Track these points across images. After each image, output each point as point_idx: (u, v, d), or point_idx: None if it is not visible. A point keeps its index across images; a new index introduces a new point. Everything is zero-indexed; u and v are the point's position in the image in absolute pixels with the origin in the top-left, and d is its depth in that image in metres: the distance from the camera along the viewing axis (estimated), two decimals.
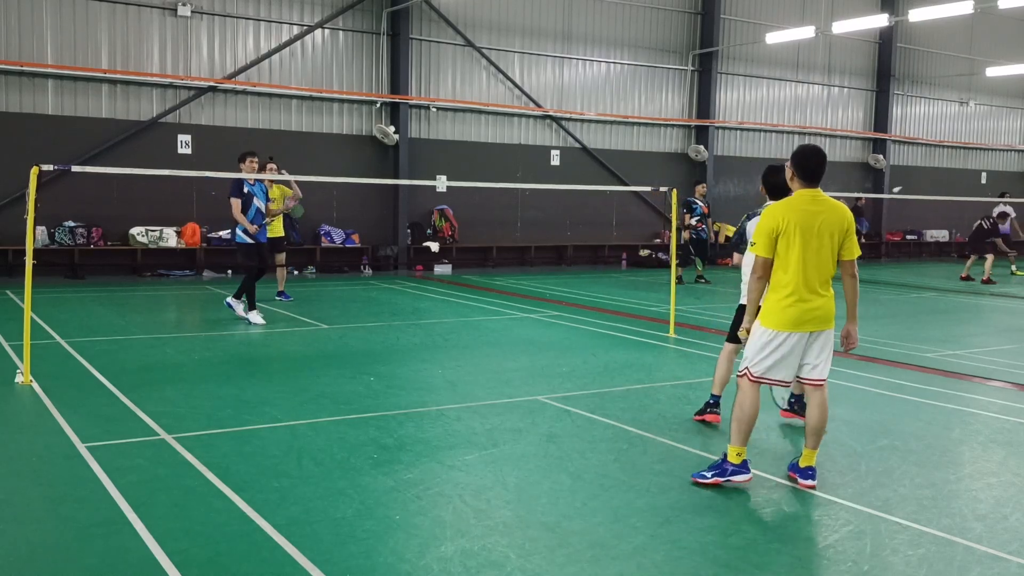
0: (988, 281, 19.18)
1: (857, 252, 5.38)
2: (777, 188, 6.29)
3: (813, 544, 4.54)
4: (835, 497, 5.23)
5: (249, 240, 11.46)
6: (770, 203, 5.97)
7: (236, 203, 11.38)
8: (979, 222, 20.32)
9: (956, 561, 4.39)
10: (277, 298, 13.75)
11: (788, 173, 5.42)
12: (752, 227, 6.33)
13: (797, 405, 6.91)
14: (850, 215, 5.35)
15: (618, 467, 5.74)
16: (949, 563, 4.36)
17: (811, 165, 5.27)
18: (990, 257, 19.76)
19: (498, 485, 5.30)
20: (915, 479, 5.65)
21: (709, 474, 5.40)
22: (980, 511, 5.10)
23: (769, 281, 5.38)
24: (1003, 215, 20.53)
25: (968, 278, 19.72)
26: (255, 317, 11.40)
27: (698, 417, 6.94)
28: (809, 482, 5.37)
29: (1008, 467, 6.02)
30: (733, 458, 5.35)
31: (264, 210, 11.70)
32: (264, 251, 11.76)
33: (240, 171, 11.34)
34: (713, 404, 6.91)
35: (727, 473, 5.35)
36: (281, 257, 13.96)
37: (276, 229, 13.37)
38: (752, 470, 5.39)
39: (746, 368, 5.42)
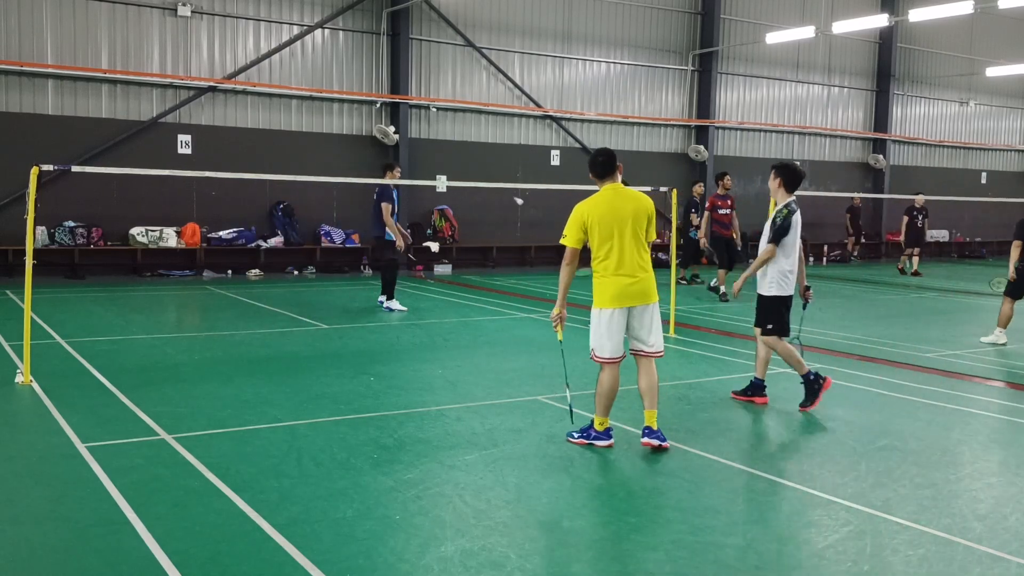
0: None
1: (653, 237, 6.18)
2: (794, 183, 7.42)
3: (813, 544, 4.54)
4: (835, 497, 5.23)
5: (393, 238, 12.56)
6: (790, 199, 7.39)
7: (387, 207, 12.45)
8: None
9: (956, 561, 4.39)
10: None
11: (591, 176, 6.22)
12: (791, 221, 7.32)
13: (751, 390, 7.64)
14: (650, 204, 6.15)
15: (618, 467, 5.75)
16: (949, 563, 4.36)
17: (599, 163, 6.11)
18: None
19: (498, 485, 5.30)
20: (915, 479, 5.65)
21: (577, 434, 6.22)
22: (980, 511, 5.10)
23: (585, 267, 6.15)
24: None
25: None
26: (396, 305, 12.75)
27: (805, 407, 7.39)
28: (656, 440, 6.05)
29: (1008, 467, 6.02)
30: (597, 426, 6.17)
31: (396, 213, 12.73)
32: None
33: (386, 178, 12.71)
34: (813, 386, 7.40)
35: (591, 437, 6.15)
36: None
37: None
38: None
39: (593, 351, 6.19)
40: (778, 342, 7.44)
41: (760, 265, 7.43)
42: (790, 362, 7.43)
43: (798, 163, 7.71)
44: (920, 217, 21.16)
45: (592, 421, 6.23)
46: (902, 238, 21.48)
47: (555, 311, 6.25)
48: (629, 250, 5.99)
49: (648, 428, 6.11)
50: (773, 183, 7.48)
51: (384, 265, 13.00)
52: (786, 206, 7.37)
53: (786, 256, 7.35)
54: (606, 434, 6.15)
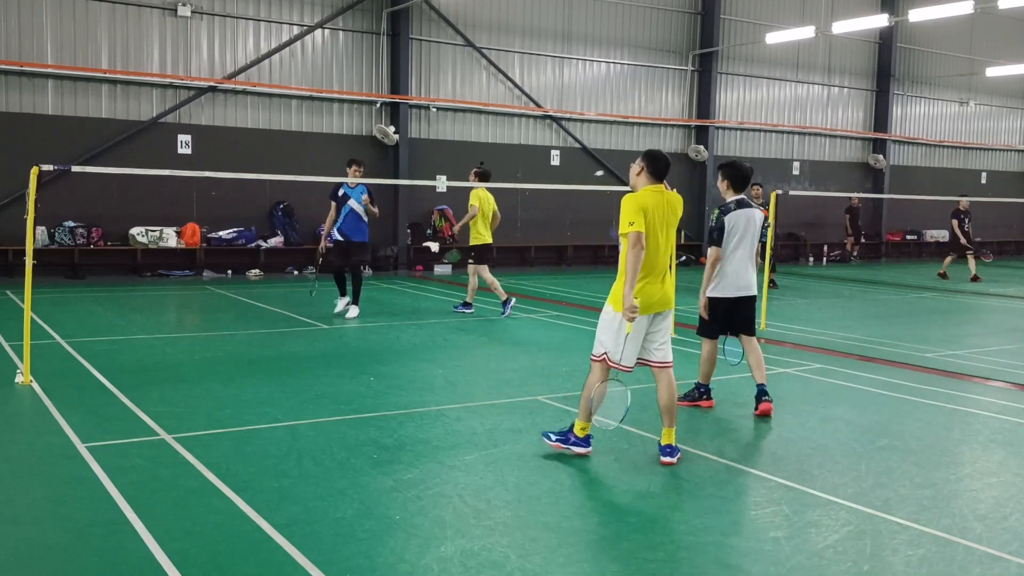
0: None
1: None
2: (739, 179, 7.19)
3: (813, 544, 4.54)
4: (835, 497, 5.23)
5: (339, 238, 12.25)
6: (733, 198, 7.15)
7: (332, 206, 12.22)
8: None
9: (956, 561, 4.39)
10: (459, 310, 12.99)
11: (636, 169, 5.84)
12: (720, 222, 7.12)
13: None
14: (681, 205, 5.91)
15: (618, 467, 5.75)
16: (949, 563, 4.36)
17: (661, 167, 5.78)
18: None
19: (498, 485, 5.30)
20: (915, 479, 5.65)
21: (553, 437, 5.96)
22: (980, 511, 5.10)
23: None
24: None
25: None
26: (340, 305, 12.30)
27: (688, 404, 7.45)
28: (668, 459, 5.76)
29: (1008, 467, 6.02)
30: (578, 431, 5.88)
31: (361, 212, 12.16)
32: (348, 249, 12.25)
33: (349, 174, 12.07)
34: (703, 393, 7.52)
35: (569, 442, 5.88)
36: (480, 268, 12.89)
37: (484, 236, 12.78)
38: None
39: (604, 353, 5.81)
40: (706, 343, 7.43)
41: (711, 271, 7.14)
42: (704, 367, 7.45)
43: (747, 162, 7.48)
44: (966, 221, 20.79)
45: (572, 425, 5.93)
46: (962, 242, 20.62)
47: (629, 302, 5.48)
48: (664, 252, 5.77)
49: (667, 446, 5.82)
50: (721, 184, 7.27)
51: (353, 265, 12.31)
52: (721, 206, 7.19)
53: (724, 257, 7.13)
54: (586, 440, 5.87)
